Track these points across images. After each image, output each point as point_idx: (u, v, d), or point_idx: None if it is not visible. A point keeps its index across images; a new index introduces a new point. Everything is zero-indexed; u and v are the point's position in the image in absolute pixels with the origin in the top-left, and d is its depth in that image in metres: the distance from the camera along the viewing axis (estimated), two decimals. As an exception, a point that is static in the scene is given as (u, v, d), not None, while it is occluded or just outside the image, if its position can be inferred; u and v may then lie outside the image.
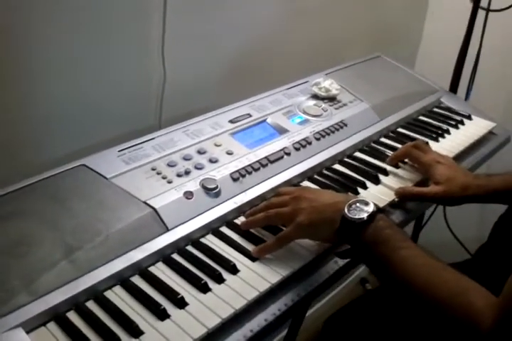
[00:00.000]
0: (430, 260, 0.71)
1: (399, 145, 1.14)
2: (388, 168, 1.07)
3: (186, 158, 0.95)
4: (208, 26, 1.21)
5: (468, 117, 1.32)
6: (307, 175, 1.03)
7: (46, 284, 0.70)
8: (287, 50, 1.44)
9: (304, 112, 1.15)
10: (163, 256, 0.80)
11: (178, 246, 0.82)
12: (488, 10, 1.45)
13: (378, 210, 0.77)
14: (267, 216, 0.84)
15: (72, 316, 0.69)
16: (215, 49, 1.26)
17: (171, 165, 0.93)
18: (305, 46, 1.49)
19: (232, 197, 0.91)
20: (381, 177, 1.04)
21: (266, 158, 0.99)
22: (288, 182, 0.99)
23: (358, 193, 0.99)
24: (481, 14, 1.48)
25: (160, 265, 0.79)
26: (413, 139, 1.18)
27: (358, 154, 1.13)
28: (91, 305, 0.71)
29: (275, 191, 0.94)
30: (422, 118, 1.32)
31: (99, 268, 0.74)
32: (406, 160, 1.09)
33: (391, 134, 1.22)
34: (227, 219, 0.89)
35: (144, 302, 0.71)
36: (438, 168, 1.00)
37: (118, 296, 0.72)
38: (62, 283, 0.71)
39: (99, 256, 0.75)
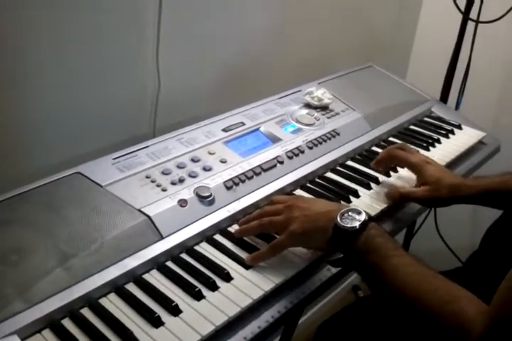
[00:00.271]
0: (421, 268, 0.72)
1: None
2: (380, 176, 1.08)
3: (180, 166, 0.96)
4: (203, 36, 1.22)
5: (459, 127, 1.34)
6: (300, 183, 1.04)
7: (41, 291, 0.70)
8: (280, 59, 1.46)
9: (297, 121, 1.16)
10: (158, 263, 0.81)
11: (173, 253, 0.83)
12: (477, 21, 1.47)
13: (370, 219, 0.78)
14: (261, 224, 0.85)
15: (67, 323, 0.69)
16: (209, 58, 1.27)
17: (165, 173, 0.93)
18: (297, 56, 1.50)
19: (226, 205, 0.92)
20: (373, 185, 1.05)
21: (259, 166, 1.00)
22: (281, 191, 1.00)
23: (350, 201, 1.00)
24: (471, 25, 1.50)
25: (154, 272, 0.79)
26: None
27: (350, 163, 1.14)
28: (86, 312, 0.71)
29: (268, 199, 0.95)
30: (413, 127, 1.33)
31: (93, 275, 0.74)
32: (396, 166, 1.10)
33: (383, 143, 1.24)
34: (220, 227, 0.90)
35: (139, 310, 0.72)
36: (428, 169, 1.00)
37: (113, 303, 0.73)
38: (57, 290, 0.71)
39: (93, 264, 0.76)
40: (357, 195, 1.02)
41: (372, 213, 0.96)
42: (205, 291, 0.75)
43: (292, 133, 1.13)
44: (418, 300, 0.68)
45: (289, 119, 1.17)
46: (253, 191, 0.97)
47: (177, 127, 1.07)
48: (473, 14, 1.49)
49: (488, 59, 1.69)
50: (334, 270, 0.85)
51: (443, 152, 1.22)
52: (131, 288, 0.76)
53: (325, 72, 1.40)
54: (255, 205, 0.95)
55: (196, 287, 0.75)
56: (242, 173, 0.97)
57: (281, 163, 1.04)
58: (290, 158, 1.05)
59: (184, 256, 0.83)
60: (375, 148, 1.21)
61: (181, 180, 0.92)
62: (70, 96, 1.04)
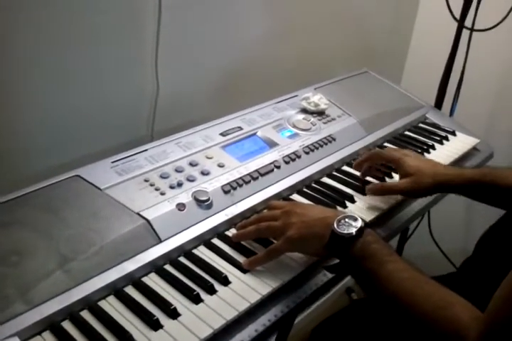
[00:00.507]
0: (415, 273, 0.73)
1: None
2: (375, 182, 1.09)
3: (178, 170, 0.96)
4: (201, 40, 1.23)
5: (453, 133, 1.35)
6: (296, 188, 1.05)
7: (41, 293, 0.71)
8: (277, 65, 1.47)
9: (294, 126, 1.18)
10: (156, 266, 0.82)
11: (171, 257, 0.84)
12: (472, 30, 1.49)
13: (365, 225, 0.79)
14: (258, 229, 0.86)
15: (67, 325, 0.70)
16: (207, 62, 1.28)
17: (163, 176, 0.94)
18: (294, 62, 1.52)
19: (224, 209, 0.93)
20: (368, 190, 1.06)
21: (256, 171, 1.01)
22: (278, 195, 1.01)
23: (345, 206, 1.01)
24: (466, 32, 1.52)
25: (153, 276, 0.80)
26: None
27: (345, 168, 1.15)
28: (85, 314, 0.72)
29: (265, 204, 0.96)
30: (407, 133, 1.35)
31: (93, 278, 0.75)
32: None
33: (378, 149, 1.25)
34: (218, 231, 0.91)
35: (138, 313, 0.73)
36: (406, 160, 1.01)
37: (112, 306, 0.74)
38: (57, 292, 0.72)
39: (93, 267, 0.77)
40: (352, 200, 1.03)
41: (368, 218, 0.97)
42: (203, 295, 0.76)
43: (289, 138, 1.14)
44: (413, 305, 0.69)
45: (286, 124, 1.18)
46: (250, 195, 0.98)
47: (175, 131, 1.07)
48: (468, 22, 1.50)
49: (482, 66, 1.71)
50: (330, 275, 0.86)
51: (437, 158, 1.22)
52: (130, 291, 0.77)
53: (321, 77, 1.41)
54: (252, 209, 0.96)
55: (195, 290, 0.76)
56: (240, 178, 0.98)
57: (278, 167, 1.05)
58: (287, 162, 1.07)
59: (182, 259, 0.84)
60: (370, 154, 1.22)
61: (179, 184, 0.93)
62: (69, 100, 1.04)
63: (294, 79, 1.47)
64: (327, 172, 1.12)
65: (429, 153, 1.26)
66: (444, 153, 1.26)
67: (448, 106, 1.65)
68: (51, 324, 0.70)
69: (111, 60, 1.08)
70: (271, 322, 0.77)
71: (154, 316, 0.71)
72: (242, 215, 0.94)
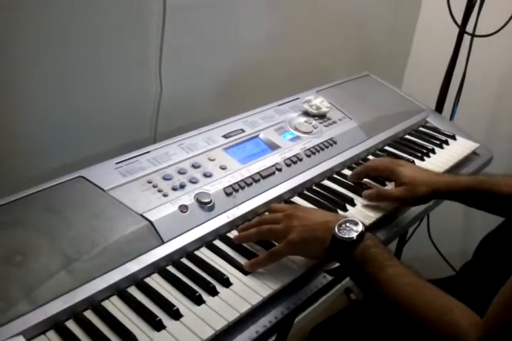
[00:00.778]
0: (414, 278, 0.74)
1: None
2: (377, 185, 1.11)
3: (181, 172, 0.97)
4: (205, 43, 1.24)
5: (453, 137, 1.36)
6: (297, 190, 1.06)
7: (46, 293, 0.72)
8: (280, 68, 1.48)
9: (295, 129, 1.18)
10: (159, 267, 0.82)
11: (173, 258, 0.85)
12: (473, 35, 1.50)
13: (365, 229, 0.80)
14: (260, 231, 0.87)
15: (71, 325, 0.71)
16: (211, 65, 1.29)
17: (166, 178, 0.95)
18: (296, 65, 1.53)
19: (226, 211, 0.94)
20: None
21: (258, 173, 1.02)
22: (279, 198, 1.02)
23: (346, 210, 1.02)
24: (467, 38, 1.53)
25: (155, 276, 0.81)
26: (399, 158, 1.22)
27: (346, 171, 1.16)
28: (89, 314, 0.73)
29: (267, 206, 0.97)
30: (408, 137, 1.36)
31: (96, 278, 0.76)
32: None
33: (378, 152, 1.26)
34: (220, 233, 0.92)
35: (140, 313, 0.74)
36: (401, 170, 1.02)
37: (115, 306, 0.75)
38: (61, 292, 0.73)
39: (96, 267, 0.77)
40: (353, 204, 1.04)
41: (368, 222, 0.98)
42: (205, 296, 0.77)
43: (290, 140, 1.15)
44: (413, 310, 0.70)
45: (288, 127, 1.19)
46: (252, 198, 0.99)
47: (178, 133, 1.08)
48: (469, 27, 1.51)
49: (483, 71, 1.72)
50: (330, 277, 0.87)
51: (437, 162, 1.24)
52: (133, 291, 0.78)
53: (323, 80, 1.42)
54: (254, 212, 0.97)
55: (197, 292, 0.77)
56: (242, 180, 0.99)
57: (280, 170, 1.05)
58: (288, 165, 1.07)
59: (184, 260, 0.85)
60: (371, 157, 1.23)
61: (182, 186, 0.94)
62: (69, 101, 1.05)
63: (296, 82, 1.47)
64: (328, 175, 1.13)
65: (428, 157, 1.26)
66: (443, 157, 1.27)
67: (448, 110, 1.66)
68: (55, 323, 0.71)
69: (113, 60, 1.08)
70: (271, 324, 0.77)
71: (157, 317, 0.72)
72: (244, 217, 0.95)
